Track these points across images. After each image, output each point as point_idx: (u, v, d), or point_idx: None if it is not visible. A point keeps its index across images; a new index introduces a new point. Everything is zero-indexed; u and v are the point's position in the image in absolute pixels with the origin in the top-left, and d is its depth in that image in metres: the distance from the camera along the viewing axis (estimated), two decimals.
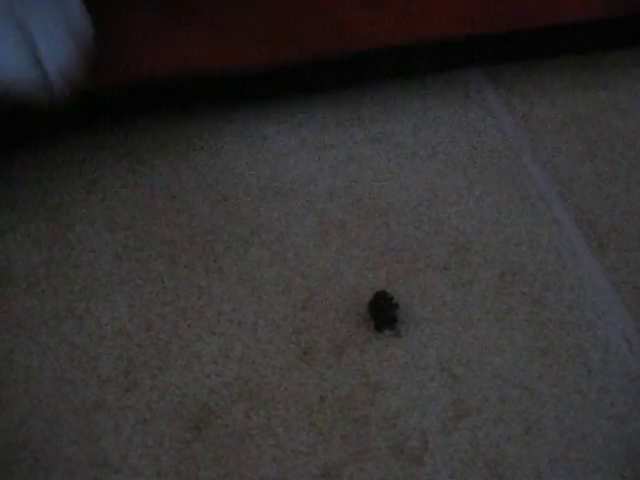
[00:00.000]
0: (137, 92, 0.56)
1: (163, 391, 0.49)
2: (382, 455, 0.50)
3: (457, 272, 0.56)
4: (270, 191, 0.57)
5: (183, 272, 0.53)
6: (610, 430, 0.54)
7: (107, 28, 0.51)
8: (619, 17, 0.65)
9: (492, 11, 0.62)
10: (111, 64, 0.53)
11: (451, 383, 0.54)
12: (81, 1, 0.51)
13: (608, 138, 0.63)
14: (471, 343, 0.55)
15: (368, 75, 0.61)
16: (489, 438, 0.52)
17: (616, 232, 0.60)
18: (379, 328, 0.53)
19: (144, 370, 0.50)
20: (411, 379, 0.53)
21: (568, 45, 0.65)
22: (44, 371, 0.48)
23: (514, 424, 0.53)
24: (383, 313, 0.53)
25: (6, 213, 0.53)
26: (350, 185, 0.58)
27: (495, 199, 0.59)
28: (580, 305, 0.57)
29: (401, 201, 0.58)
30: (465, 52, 0.62)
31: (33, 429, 0.47)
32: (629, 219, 0.60)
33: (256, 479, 0.47)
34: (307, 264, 0.55)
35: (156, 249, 0.53)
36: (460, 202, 0.59)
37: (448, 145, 0.61)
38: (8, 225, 0.52)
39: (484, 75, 0.64)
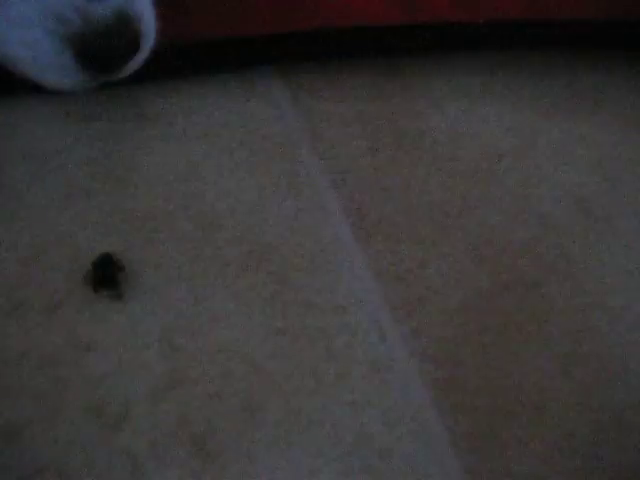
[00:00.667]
0: None
1: None
2: (75, 417, 0.47)
3: (200, 246, 0.54)
4: (19, 156, 0.55)
5: None
6: (342, 417, 0.51)
7: None
8: (415, 25, 0.66)
9: (289, 9, 0.64)
10: None
11: (169, 353, 0.50)
12: None
13: (395, 137, 0.62)
14: (200, 315, 0.52)
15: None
16: (201, 412, 0.48)
17: (387, 224, 0.58)
18: (96, 288, 0.50)
19: None
20: (125, 345, 0.50)
21: (368, 48, 0.65)
22: None
23: (232, 400, 0.49)
24: (103, 273, 0.51)
25: None
26: (105, 156, 0.56)
27: (259, 182, 0.58)
28: (332, 290, 0.54)
29: (157, 175, 0.56)
30: (254, 50, 0.63)
31: None
32: (402, 213, 0.58)
33: None
34: (40, 224, 0.53)
35: None
36: (218, 181, 0.57)
37: (220, 129, 0.59)
38: None
39: (276, 71, 0.63)
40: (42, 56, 0.50)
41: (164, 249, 0.53)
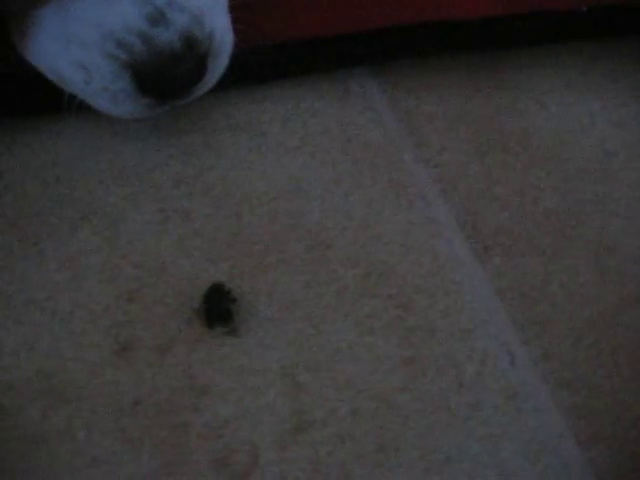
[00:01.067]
0: None
1: None
2: (201, 469, 0.43)
3: (313, 269, 0.50)
4: (109, 175, 0.51)
5: None
6: (480, 453, 0.47)
7: None
8: (514, 15, 0.62)
9: (376, 6, 0.60)
10: None
11: (293, 391, 0.47)
12: None
13: (501, 139, 0.58)
14: (322, 348, 0.48)
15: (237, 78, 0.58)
16: (333, 456, 0.45)
17: (503, 236, 0.54)
18: (210, 324, 0.46)
19: None
20: (245, 384, 0.46)
21: (461, 43, 0.61)
22: None
23: (365, 441, 0.45)
24: (216, 307, 0.47)
25: None
26: (201, 173, 0.52)
27: (366, 195, 0.53)
28: (456, 312, 0.51)
29: (258, 192, 0.52)
30: (346, 49, 0.59)
31: None
32: (519, 223, 0.54)
33: None
34: (140, 253, 0.49)
35: None
36: (325, 196, 0.52)
37: (318, 137, 0.55)
38: None
39: (369, 71, 0.59)
40: (97, 80, 0.46)
41: (275, 275, 0.49)
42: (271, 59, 0.57)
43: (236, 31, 0.52)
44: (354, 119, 0.57)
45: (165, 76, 0.46)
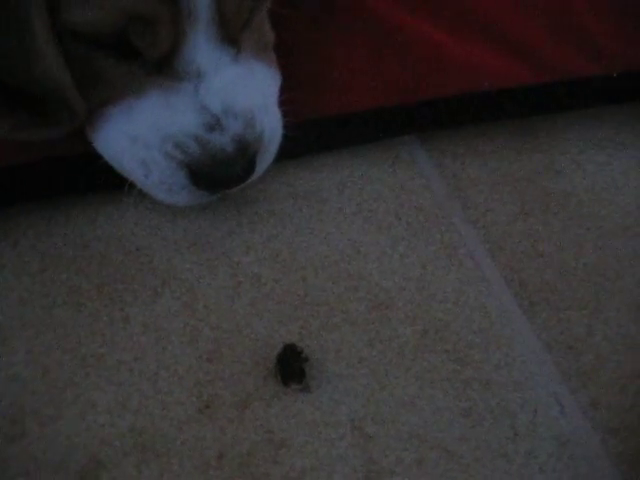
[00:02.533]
0: None
1: (51, 441, 0.47)
2: None
3: (375, 328, 0.54)
4: (185, 243, 0.55)
5: (87, 320, 0.51)
6: None
7: None
8: (548, 83, 0.65)
9: (424, 78, 0.64)
10: None
11: (363, 443, 0.50)
12: None
13: (541, 199, 0.62)
14: (387, 401, 0.52)
15: (295, 150, 0.61)
16: None
17: (548, 291, 0.58)
18: (286, 382, 0.50)
19: (34, 418, 0.47)
20: (319, 437, 0.50)
21: (501, 110, 0.64)
22: None
23: None
24: (290, 366, 0.50)
25: None
26: (268, 239, 0.56)
27: (420, 256, 0.57)
28: (508, 365, 0.54)
29: (321, 256, 0.56)
30: (397, 119, 0.63)
31: None
32: (561, 279, 0.58)
33: None
34: (217, 316, 0.53)
35: (62, 296, 0.52)
36: (382, 258, 0.57)
37: (374, 202, 0.59)
38: None
39: (416, 138, 0.63)
40: (156, 175, 0.50)
41: (341, 334, 0.53)
42: (323, 131, 0.62)
43: (285, 112, 0.56)
44: (405, 185, 0.61)
45: (218, 175, 0.51)
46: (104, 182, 0.55)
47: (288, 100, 0.56)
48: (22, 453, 0.46)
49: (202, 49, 0.48)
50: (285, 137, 0.56)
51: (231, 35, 0.50)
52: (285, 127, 0.55)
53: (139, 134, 0.50)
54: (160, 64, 0.49)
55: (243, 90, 0.50)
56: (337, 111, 0.60)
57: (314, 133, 0.60)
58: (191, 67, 0.49)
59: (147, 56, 0.48)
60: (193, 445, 0.48)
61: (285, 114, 0.56)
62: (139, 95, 0.49)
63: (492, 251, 0.59)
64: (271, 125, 0.53)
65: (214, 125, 0.49)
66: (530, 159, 0.65)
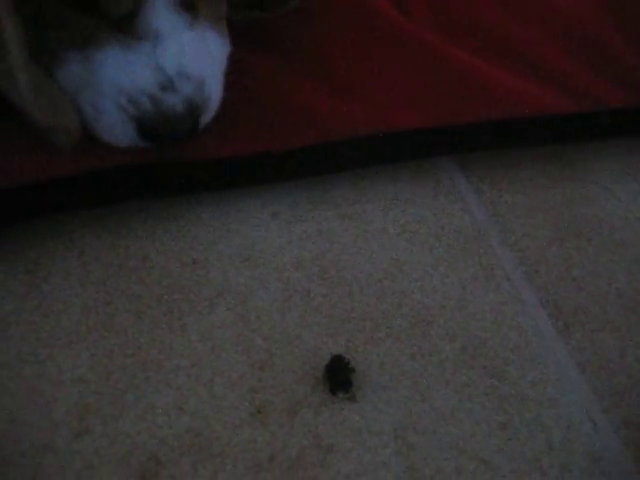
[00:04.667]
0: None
1: (113, 438, 0.50)
2: None
3: (417, 343, 0.57)
4: (239, 258, 0.59)
5: (147, 327, 0.55)
6: None
7: None
8: (587, 113, 0.68)
9: (467, 104, 0.67)
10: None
11: (405, 450, 0.53)
12: None
13: (575, 225, 0.65)
14: (428, 412, 0.54)
15: (342, 163, 0.65)
16: None
17: (582, 314, 0.60)
18: (333, 391, 0.53)
19: (97, 417, 0.51)
20: (364, 444, 0.52)
21: (538, 137, 0.68)
22: (0, 411, 0.51)
23: None
24: (338, 376, 0.53)
25: None
26: (317, 257, 0.60)
27: (460, 277, 0.60)
28: (543, 382, 0.57)
29: (366, 274, 0.59)
30: (436, 143, 0.66)
31: None
32: (595, 301, 0.61)
33: None
34: (269, 327, 0.56)
35: (124, 304, 0.55)
36: (424, 278, 0.60)
37: (416, 225, 0.63)
38: None
39: (456, 163, 0.67)
40: (105, 120, 0.54)
41: (385, 347, 0.56)
42: (366, 148, 0.65)
43: (336, 125, 0.61)
44: (446, 208, 0.65)
45: (164, 132, 0.55)
46: (166, 193, 0.60)
47: (338, 111, 0.61)
48: (87, 448, 0.49)
49: (161, 12, 0.53)
50: (336, 152, 0.61)
51: (189, 2, 0.54)
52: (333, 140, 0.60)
53: (95, 82, 0.53)
54: (121, 22, 0.52)
55: (197, 55, 0.55)
56: (385, 129, 0.65)
57: (364, 148, 0.64)
58: (150, 28, 0.53)
59: (110, 13, 0.52)
60: (246, 447, 0.51)
61: (336, 126, 0.61)
62: (99, 47, 0.53)
63: (528, 274, 0.62)
64: (216, 90, 0.57)
65: (167, 86, 0.53)
66: (565, 186, 0.69)
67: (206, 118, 0.57)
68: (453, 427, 0.54)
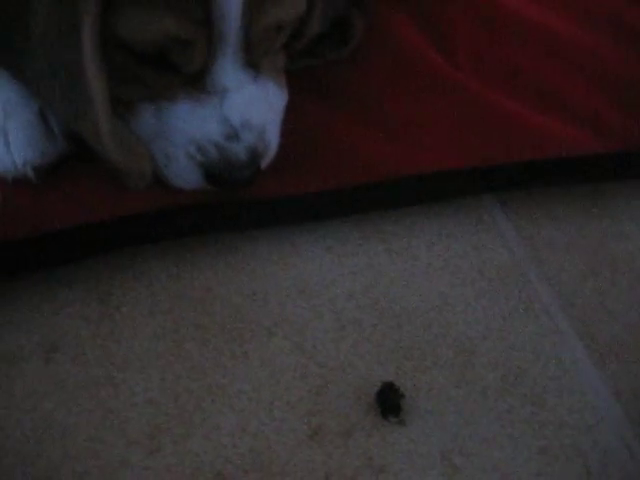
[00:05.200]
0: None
1: (183, 457, 0.55)
2: None
3: (461, 371, 0.61)
4: (295, 290, 0.63)
5: (212, 354, 0.59)
6: None
7: None
8: (617, 152, 0.71)
9: (502, 145, 0.70)
10: None
11: (451, 472, 0.56)
12: None
13: (610, 259, 0.68)
14: (472, 437, 0.58)
15: (389, 201, 0.68)
16: None
17: (617, 345, 0.64)
18: (385, 415, 0.57)
19: (168, 436, 0.55)
20: (413, 465, 0.56)
21: (573, 176, 0.71)
22: (79, 430, 0.54)
23: None
24: (389, 401, 0.57)
25: (64, 292, 0.60)
26: (367, 289, 0.64)
27: (500, 309, 0.64)
28: (580, 409, 0.60)
29: (413, 306, 0.63)
30: (477, 182, 0.70)
31: None
32: (629, 333, 0.64)
33: None
34: (323, 355, 0.60)
35: (190, 332, 0.60)
36: (467, 310, 0.64)
37: (459, 260, 0.66)
38: (64, 302, 0.60)
39: (496, 200, 0.70)
40: (174, 167, 0.59)
41: (431, 375, 0.60)
42: (412, 187, 0.69)
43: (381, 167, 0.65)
44: (486, 244, 0.68)
45: (229, 178, 0.60)
46: (226, 229, 0.64)
47: (385, 153, 0.65)
48: (159, 465, 0.54)
49: (229, 70, 0.57)
50: (383, 191, 0.65)
51: (254, 59, 0.59)
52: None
53: (166, 131, 0.58)
54: (192, 78, 0.58)
55: (259, 107, 0.60)
56: (429, 170, 0.68)
57: (410, 188, 0.68)
58: (218, 84, 0.58)
59: (183, 71, 0.57)
60: (304, 467, 0.55)
61: (383, 167, 0.65)
62: (171, 100, 0.58)
63: (565, 306, 0.66)
64: (275, 136, 0.62)
65: (232, 135, 0.58)
66: (600, 222, 0.72)
67: (265, 162, 0.62)
68: (495, 451, 0.58)
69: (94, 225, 0.60)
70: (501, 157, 0.69)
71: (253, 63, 0.58)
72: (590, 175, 0.73)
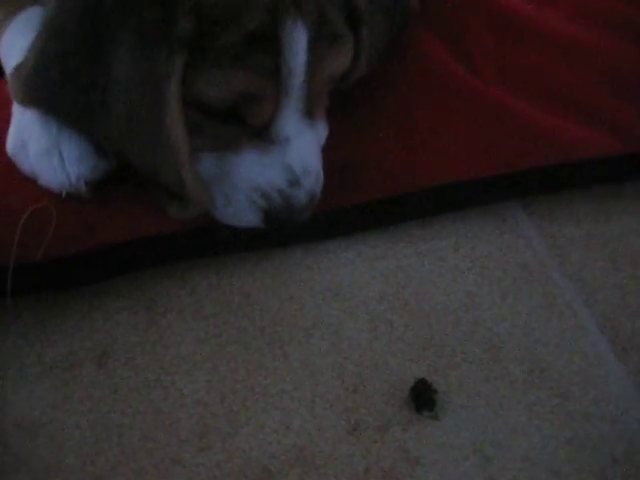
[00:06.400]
0: None
1: (231, 453, 0.58)
2: None
3: (490, 367, 0.64)
4: (330, 293, 0.66)
5: (254, 356, 0.63)
6: None
7: None
8: (634, 153, 0.74)
9: (524, 150, 0.73)
10: None
11: (483, 463, 0.60)
12: None
13: (630, 256, 0.71)
14: (502, 429, 0.61)
15: (416, 209, 0.71)
16: None
17: (638, 338, 0.66)
18: (419, 410, 0.60)
19: (216, 435, 0.59)
20: (447, 457, 0.60)
21: (594, 176, 0.74)
22: (133, 430, 0.58)
23: None
24: (423, 397, 0.61)
25: (112, 300, 0.64)
26: (398, 290, 0.67)
27: (525, 306, 0.67)
28: (604, 400, 0.63)
29: (442, 305, 0.66)
30: (501, 186, 0.73)
31: (120, 478, 0.56)
32: None
33: None
34: (359, 355, 0.63)
35: (232, 336, 0.63)
36: (493, 308, 0.67)
37: (484, 260, 0.69)
38: (113, 311, 0.63)
39: (518, 202, 0.73)
40: (234, 209, 0.61)
41: (461, 371, 0.63)
42: (438, 195, 0.72)
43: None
44: (511, 244, 0.71)
45: (289, 220, 0.62)
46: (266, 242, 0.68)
47: (414, 165, 0.68)
48: (210, 462, 0.57)
49: (291, 120, 0.60)
50: (411, 200, 0.68)
51: (311, 109, 0.62)
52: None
53: (229, 177, 0.61)
54: (258, 129, 0.61)
55: (315, 152, 0.63)
56: (455, 178, 0.71)
57: (437, 196, 0.70)
58: (282, 134, 0.61)
59: (251, 123, 0.60)
60: (344, 460, 0.58)
61: (412, 178, 0.68)
62: (236, 151, 0.61)
63: (587, 302, 0.68)
64: (321, 170, 0.64)
65: (295, 182, 0.61)
66: (619, 220, 0.75)
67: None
68: (525, 442, 0.61)
69: (142, 241, 0.63)
70: (521, 163, 0.71)
71: (310, 111, 0.61)
72: (610, 175, 0.77)
